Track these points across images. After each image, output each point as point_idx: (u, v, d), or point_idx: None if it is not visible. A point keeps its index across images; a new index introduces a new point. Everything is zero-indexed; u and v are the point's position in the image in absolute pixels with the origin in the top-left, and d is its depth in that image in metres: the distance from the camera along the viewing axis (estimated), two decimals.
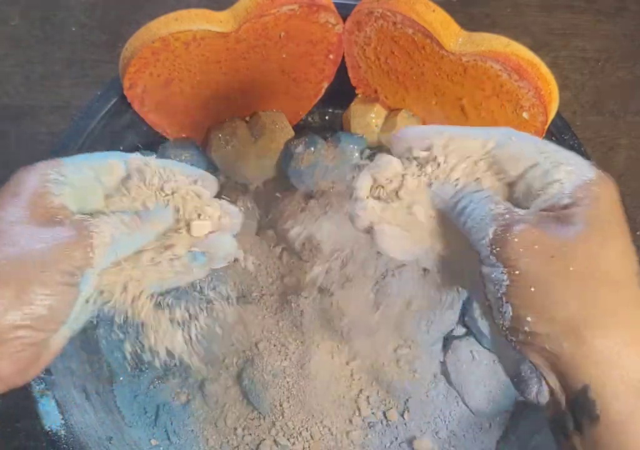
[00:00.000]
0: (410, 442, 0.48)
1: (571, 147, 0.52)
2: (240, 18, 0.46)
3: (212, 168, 0.56)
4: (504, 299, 0.29)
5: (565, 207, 0.30)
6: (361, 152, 0.55)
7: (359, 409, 0.49)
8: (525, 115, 0.48)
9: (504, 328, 0.29)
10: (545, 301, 0.28)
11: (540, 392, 0.29)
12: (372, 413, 0.49)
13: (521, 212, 0.30)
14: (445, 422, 0.49)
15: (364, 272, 0.53)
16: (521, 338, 0.28)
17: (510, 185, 0.33)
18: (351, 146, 0.54)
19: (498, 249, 0.29)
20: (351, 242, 0.54)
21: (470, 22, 0.73)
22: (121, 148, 0.53)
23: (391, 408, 0.49)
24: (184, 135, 0.55)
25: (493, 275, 0.29)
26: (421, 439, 0.48)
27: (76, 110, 0.64)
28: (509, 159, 0.32)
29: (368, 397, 0.49)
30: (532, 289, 0.28)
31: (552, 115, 0.48)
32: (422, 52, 0.48)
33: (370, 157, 0.54)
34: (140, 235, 0.34)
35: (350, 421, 0.48)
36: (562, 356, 0.27)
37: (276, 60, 0.50)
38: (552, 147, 0.32)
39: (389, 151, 0.35)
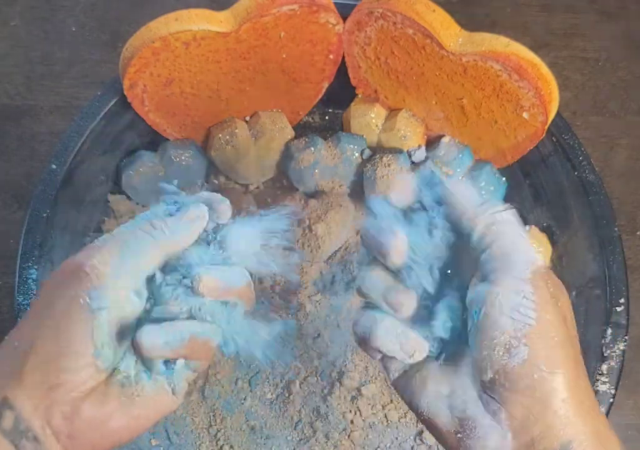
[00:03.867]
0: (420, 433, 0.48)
1: (571, 147, 0.52)
2: (240, 18, 0.46)
3: (212, 168, 0.56)
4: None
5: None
6: (361, 152, 0.55)
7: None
8: (525, 115, 0.48)
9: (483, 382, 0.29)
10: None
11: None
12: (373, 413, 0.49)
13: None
14: None
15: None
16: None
17: None
18: (351, 146, 0.54)
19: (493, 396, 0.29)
20: (351, 242, 0.54)
21: (470, 22, 0.72)
22: (121, 148, 0.54)
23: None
24: (184, 135, 0.55)
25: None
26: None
27: (76, 110, 0.65)
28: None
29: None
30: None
31: (552, 115, 0.48)
32: (422, 52, 0.48)
33: (370, 158, 0.54)
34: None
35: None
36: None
37: (276, 60, 0.50)
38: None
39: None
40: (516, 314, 0.28)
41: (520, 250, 0.30)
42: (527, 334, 0.28)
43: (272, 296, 0.52)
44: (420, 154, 0.55)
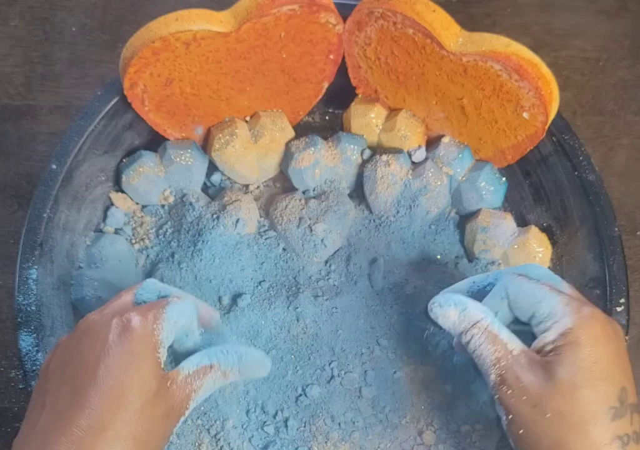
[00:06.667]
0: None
1: (571, 147, 0.52)
2: (240, 18, 0.46)
3: (212, 168, 0.56)
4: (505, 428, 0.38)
5: (550, 352, 0.37)
6: (361, 152, 0.55)
7: None
8: (525, 115, 0.48)
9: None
10: (529, 440, 0.36)
11: None
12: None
13: (516, 350, 0.37)
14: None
15: (362, 273, 0.53)
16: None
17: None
18: (351, 146, 0.54)
19: (497, 396, 0.37)
20: (351, 242, 0.54)
21: (470, 22, 0.73)
22: (121, 148, 0.54)
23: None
24: (184, 135, 0.55)
25: (497, 410, 0.38)
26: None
27: (76, 110, 0.65)
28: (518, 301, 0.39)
29: None
30: (521, 431, 0.36)
31: (552, 115, 0.48)
32: (422, 52, 0.48)
33: (370, 158, 0.54)
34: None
35: None
36: None
37: (276, 60, 0.50)
38: (540, 295, 0.38)
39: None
40: None
41: None
42: None
43: (272, 296, 0.52)
44: (420, 154, 0.55)
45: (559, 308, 0.37)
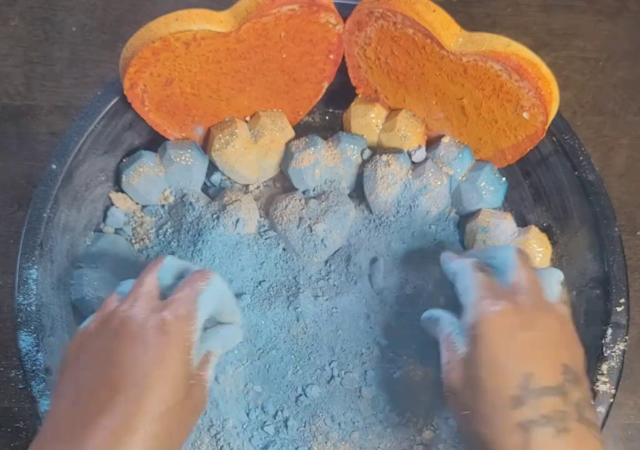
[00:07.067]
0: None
1: (571, 147, 0.52)
2: (240, 18, 0.46)
3: (212, 168, 0.56)
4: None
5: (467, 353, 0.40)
6: (361, 152, 0.55)
7: None
8: (525, 115, 0.48)
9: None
10: (469, 439, 0.39)
11: None
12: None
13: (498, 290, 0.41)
14: None
15: (362, 273, 0.53)
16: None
17: None
18: (351, 146, 0.54)
19: (472, 332, 0.40)
20: (351, 242, 0.54)
21: (470, 22, 0.73)
22: (121, 148, 0.54)
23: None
24: (184, 135, 0.55)
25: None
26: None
27: (76, 110, 0.65)
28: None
29: None
30: (463, 431, 0.42)
31: (552, 115, 0.48)
32: (422, 52, 0.48)
33: (370, 158, 0.54)
34: None
35: None
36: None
37: (276, 60, 0.50)
38: (474, 287, 0.42)
39: None
40: None
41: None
42: None
43: (272, 296, 0.52)
44: (420, 154, 0.55)
45: (475, 301, 0.41)
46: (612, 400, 0.46)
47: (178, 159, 0.53)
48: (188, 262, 0.42)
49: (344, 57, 0.53)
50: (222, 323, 0.45)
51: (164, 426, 0.35)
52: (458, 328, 0.41)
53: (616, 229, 0.50)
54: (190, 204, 0.53)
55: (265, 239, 0.54)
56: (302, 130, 0.56)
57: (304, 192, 0.56)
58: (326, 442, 0.48)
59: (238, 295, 0.52)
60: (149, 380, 0.35)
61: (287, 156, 0.55)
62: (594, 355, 0.47)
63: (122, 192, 0.55)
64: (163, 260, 0.42)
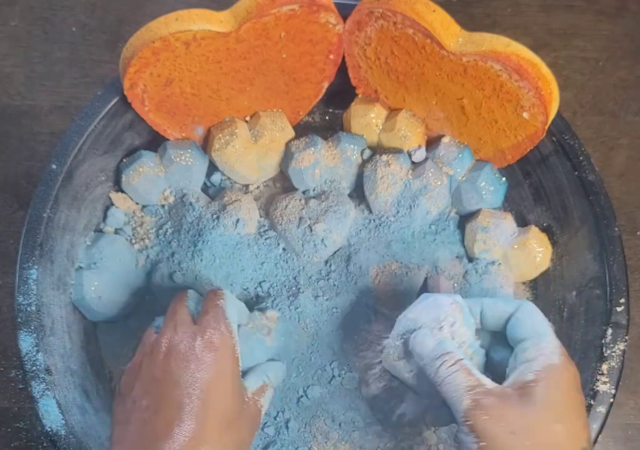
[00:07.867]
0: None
1: (571, 147, 0.52)
2: (240, 18, 0.46)
3: (212, 168, 0.56)
4: None
5: (529, 383, 0.37)
6: (361, 152, 0.55)
7: None
8: (525, 115, 0.48)
9: None
10: None
11: None
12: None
13: (489, 385, 0.37)
14: None
15: (362, 273, 0.53)
16: None
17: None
18: (351, 146, 0.54)
19: (470, 422, 0.36)
20: (351, 242, 0.54)
21: (470, 22, 0.73)
22: (121, 148, 0.54)
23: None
24: (184, 135, 0.55)
25: (462, 436, 0.37)
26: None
27: (76, 110, 0.65)
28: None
29: None
30: None
31: (552, 115, 0.48)
32: (422, 52, 0.48)
33: (370, 158, 0.54)
34: None
35: None
36: None
37: (276, 60, 0.50)
38: (543, 330, 0.40)
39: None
40: None
41: None
42: None
43: (272, 297, 0.52)
44: (420, 154, 0.55)
45: (552, 346, 0.39)
46: (612, 400, 0.46)
47: (178, 159, 0.53)
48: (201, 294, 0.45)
49: (344, 57, 0.53)
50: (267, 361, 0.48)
51: (230, 436, 0.38)
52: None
53: (616, 229, 0.50)
54: (190, 204, 0.53)
55: (265, 239, 0.54)
56: (302, 130, 0.56)
57: (304, 192, 0.56)
58: (326, 442, 0.48)
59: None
60: (209, 394, 0.38)
61: (287, 156, 0.55)
62: (594, 355, 0.47)
63: (122, 192, 0.55)
64: (188, 292, 0.44)
